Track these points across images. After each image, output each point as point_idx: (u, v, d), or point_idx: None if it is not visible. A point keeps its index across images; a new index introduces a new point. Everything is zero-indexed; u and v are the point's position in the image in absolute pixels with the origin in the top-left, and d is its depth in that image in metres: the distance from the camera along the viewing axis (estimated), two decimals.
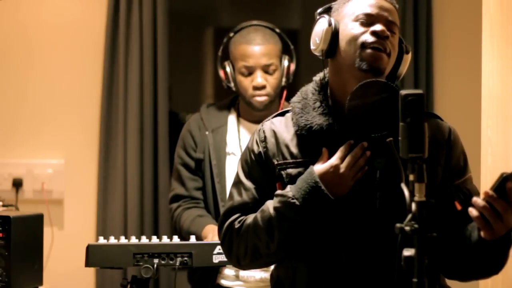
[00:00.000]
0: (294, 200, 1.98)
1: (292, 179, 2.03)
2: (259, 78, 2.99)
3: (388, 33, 2.00)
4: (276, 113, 2.18)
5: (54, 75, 3.69)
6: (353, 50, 2.01)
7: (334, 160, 1.99)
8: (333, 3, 2.11)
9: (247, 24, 3.10)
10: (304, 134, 2.05)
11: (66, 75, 3.70)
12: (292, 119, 2.09)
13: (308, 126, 2.04)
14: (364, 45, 1.99)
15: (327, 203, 1.97)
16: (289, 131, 2.09)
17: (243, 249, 2.09)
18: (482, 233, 1.88)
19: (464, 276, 2.05)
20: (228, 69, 3.07)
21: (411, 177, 1.62)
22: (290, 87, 3.11)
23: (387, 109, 1.94)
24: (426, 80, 3.70)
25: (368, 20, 2.01)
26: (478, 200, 1.82)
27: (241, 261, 2.12)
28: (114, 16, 3.64)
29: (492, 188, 1.79)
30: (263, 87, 3.00)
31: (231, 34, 3.10)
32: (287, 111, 2.14)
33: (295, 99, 2.13)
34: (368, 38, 1.99)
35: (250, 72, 3.01)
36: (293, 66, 3.09)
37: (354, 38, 2.01)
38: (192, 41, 4.46)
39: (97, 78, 3.67)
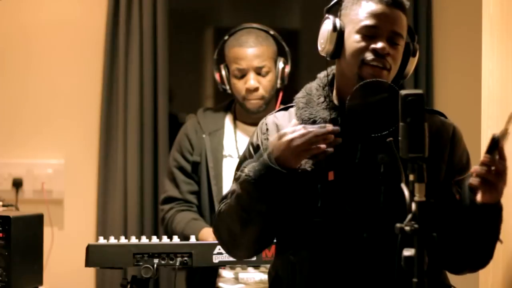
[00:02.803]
0: (248, 176, 1.99)
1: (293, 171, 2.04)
2: (251, 80, 3.00)
3: (389, 49, 2.00)
4: (280, 108, 2.19)
5: (54, 75, 3.69)
6: (354, 63, 2.02)
7: (285, 129, 1.99)
8: None
9: (240, 27, 3.11)
10: None
11: (66, 75, 3.70)
12: (296, 113, 2.10)
13: (312, 119, 2.05)
14: (364, 62, 2.00)
15: (277, 175, 1.96)
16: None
17: (225, 232, 2.10)
18: (480, 198, 1.91)
19: (458, 264, 2.04)
20: (223, 72, 3.09)
21: (411, 177, 1.62)
22: (290, 88, 3.11)
23: (387, 109, 1.94)
24: (426, 80, 3.70)
25: (370, 33, 2.00)
26: (478, 168, 1.87)
27: (229, 246, 2.13)
28: (114, 16, 3.64)
29: (487, 151, 1.86)
30: (256, 90, 3.00)
31: (226, 37, 3.12)
32: (291, 106, 2.15)
33: (299, 95, 2.14)
34: (368, 55, 2.00)
35: (243, 74, 3.02)
36: (288, 68, 3.09)
37: (355, 53, 2.01)
38: (192, 41, 4.45)
39: (97, 78, 3.67)
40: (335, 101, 2.09)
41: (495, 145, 1.85)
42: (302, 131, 1.95)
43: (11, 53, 3.69)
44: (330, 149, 1.96)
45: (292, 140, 1.95)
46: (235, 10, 4.57)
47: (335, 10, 2.08)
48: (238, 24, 3.15)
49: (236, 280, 2.93)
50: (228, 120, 3.11)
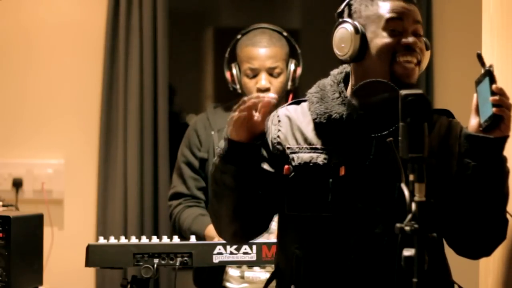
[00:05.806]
0: (219, 150, 2.04)
1: (304, 164, 2.03)
2: (263, 80, 3.00)
3: (419, 43, 2.02)
4: (291, 102, 2.18)
5: (54, 75, 3.70)
6: (384, 61, 2.01)
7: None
8: (351, 1, 2.08)
9: (254, 27, 3.11)
10: (322, 122, 2.05)
11: (66, 75, 3.70)
12: (310, 108, 2.09)
13: (328, 114, 2.04)
14: (395, 58, 2.01)
15: (235, 148, 2.00)
16: (305, 118, 2.10)
17: (211, 211, 2.13)
18: (493, 133, 1.93)
19: (473, 243, 2.02)
20: (234, 71, 3.08)
21: (411, 177, 1.62)
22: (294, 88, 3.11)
23: (387, 109, 1.94)
24: (426, 80, 3.71)
25: (397, 27, 2.01)
26: (496, 97, 1.93)
27: (215, 224, 2.14)
28: (114, 16, 3.64)
29: (492, 83, 1.95)
30: (267, 90, 3.00)
31: (239, 36, 3.11)
32: (304, 101, 2.14)
33: (312, 90, 2.13)
34: (400, 51, 2.01)
35: (255, 74, 3.02)
36: (299, 70, 3.09)
37: (384, 50, 2.01)
38: (192, 41, 4.47)
39: (97, 78, 3.67)
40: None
41: (493, 76, 1.90)
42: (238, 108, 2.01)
43: (11, 53, 3.69)
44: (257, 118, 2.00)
45: (232, 116, 2.00)
46: (235, 10, 4.58)
47: (345, 14, 2.08)
48: (238, 24, 3.16)
49: (242, 278, 2.94)
50: None
